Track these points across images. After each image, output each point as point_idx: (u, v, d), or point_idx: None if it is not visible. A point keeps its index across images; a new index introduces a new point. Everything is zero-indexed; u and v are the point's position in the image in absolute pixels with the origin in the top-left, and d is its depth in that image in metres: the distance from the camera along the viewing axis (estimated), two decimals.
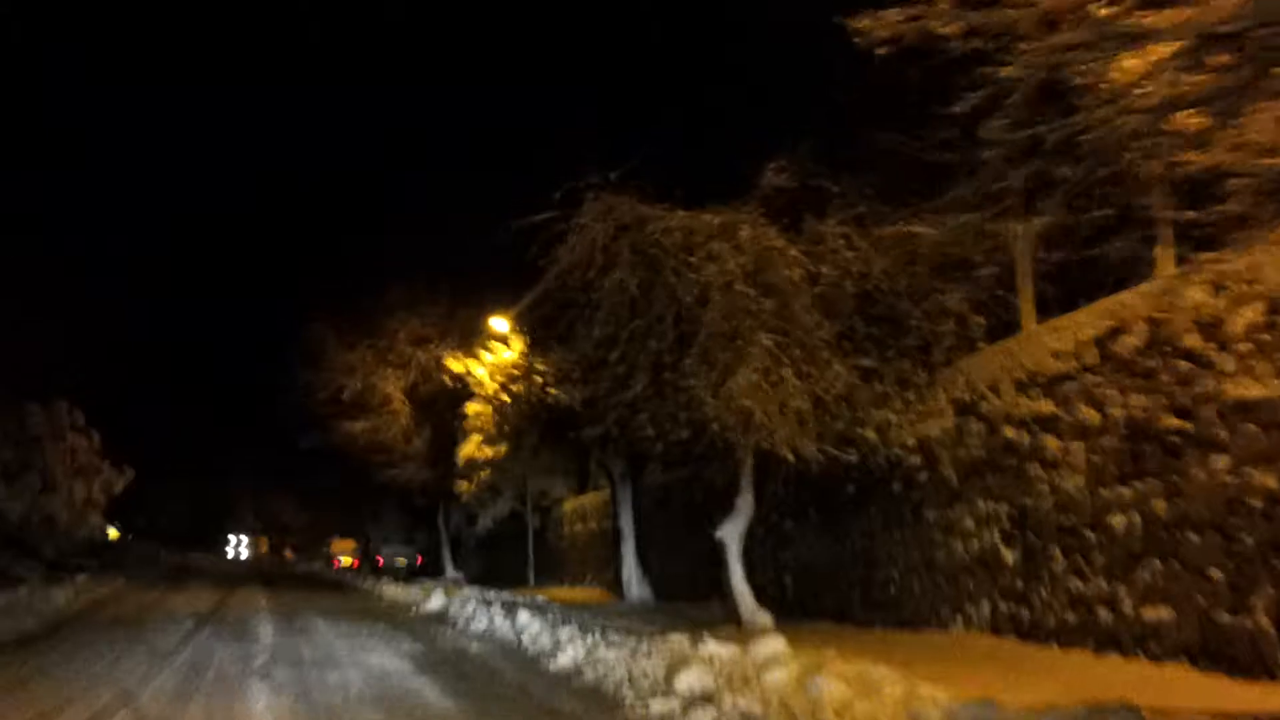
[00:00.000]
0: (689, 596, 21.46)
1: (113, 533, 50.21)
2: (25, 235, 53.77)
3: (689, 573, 22.13)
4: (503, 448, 33.96)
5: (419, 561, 48.52)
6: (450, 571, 40.00)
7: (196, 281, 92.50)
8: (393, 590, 30.92)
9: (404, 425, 37.74)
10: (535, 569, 32.59)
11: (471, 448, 34.27)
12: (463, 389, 35.71)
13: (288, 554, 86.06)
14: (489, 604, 20.89)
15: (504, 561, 38.55)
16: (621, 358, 14.55)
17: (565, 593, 27.15)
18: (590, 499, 30.49)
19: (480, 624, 18.57)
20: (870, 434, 14.43)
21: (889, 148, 14.36)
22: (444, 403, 37.25)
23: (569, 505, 32.23)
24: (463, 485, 34.59)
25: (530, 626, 16.28)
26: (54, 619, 20.69)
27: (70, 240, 66.98)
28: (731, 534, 15.65)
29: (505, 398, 34.28)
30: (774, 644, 11.24)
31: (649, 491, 23.49)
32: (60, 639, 16.82)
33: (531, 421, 33.72)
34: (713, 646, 11.14)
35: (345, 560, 55.38)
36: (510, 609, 19.07)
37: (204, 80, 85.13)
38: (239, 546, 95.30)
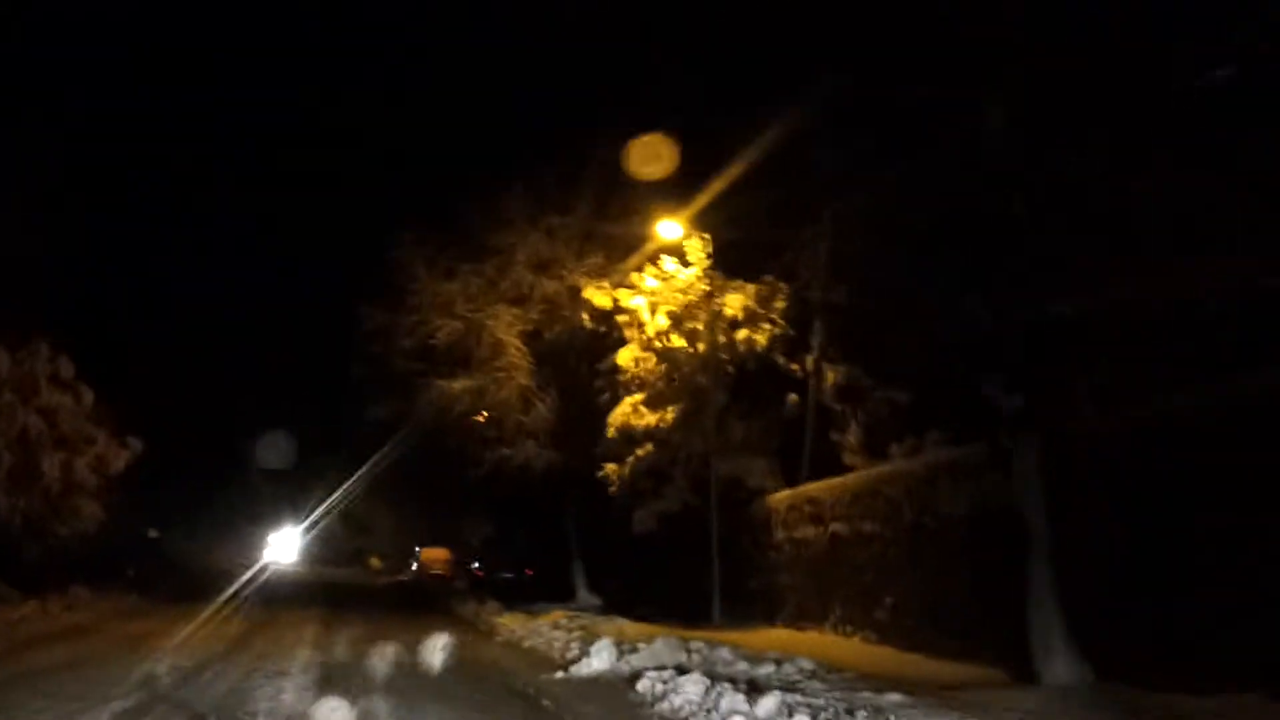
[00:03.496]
0: (1167, 678, 9.98)
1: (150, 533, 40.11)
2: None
3: (1154, 623, 10.63)
4: (670, 412, 22.94)
5: (528, 574, 38.58)
6: (583, 594, 28.94)
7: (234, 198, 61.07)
8: (510, 623, 20.16)
9: (522, 385, 26.93)
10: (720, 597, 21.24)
11: (625, 411, 23.26)
12: (608, 333, 24.74)
13: (373, 562, 75.84)
14: (752, 692, 9.80)
15: (657, 580, 27.12)
16: None
17: (827, 647, 15.69)
18: (824, 488, 19.07)
19: None
20: None
21: None
22: (579, 352, 26.41)
23: (780, 498, 20.87)
24: (610, 469, 23.63)
25: None
26: None
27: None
28: None
29: (677, 339, 23.24)
30: None
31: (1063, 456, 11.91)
32: None
33: (716, 375, 22.79)
34: None
35: (437, 570, 45.52)
36: None
37: None
38: (277, 549, 65.81)
